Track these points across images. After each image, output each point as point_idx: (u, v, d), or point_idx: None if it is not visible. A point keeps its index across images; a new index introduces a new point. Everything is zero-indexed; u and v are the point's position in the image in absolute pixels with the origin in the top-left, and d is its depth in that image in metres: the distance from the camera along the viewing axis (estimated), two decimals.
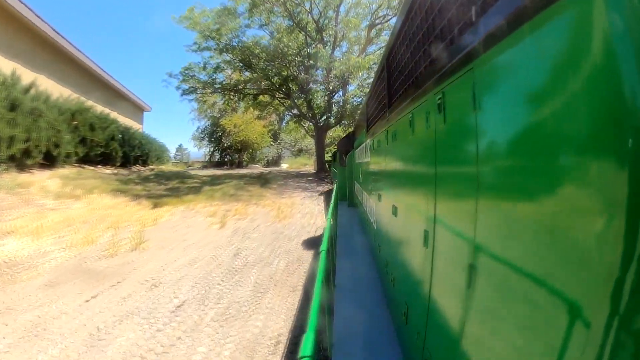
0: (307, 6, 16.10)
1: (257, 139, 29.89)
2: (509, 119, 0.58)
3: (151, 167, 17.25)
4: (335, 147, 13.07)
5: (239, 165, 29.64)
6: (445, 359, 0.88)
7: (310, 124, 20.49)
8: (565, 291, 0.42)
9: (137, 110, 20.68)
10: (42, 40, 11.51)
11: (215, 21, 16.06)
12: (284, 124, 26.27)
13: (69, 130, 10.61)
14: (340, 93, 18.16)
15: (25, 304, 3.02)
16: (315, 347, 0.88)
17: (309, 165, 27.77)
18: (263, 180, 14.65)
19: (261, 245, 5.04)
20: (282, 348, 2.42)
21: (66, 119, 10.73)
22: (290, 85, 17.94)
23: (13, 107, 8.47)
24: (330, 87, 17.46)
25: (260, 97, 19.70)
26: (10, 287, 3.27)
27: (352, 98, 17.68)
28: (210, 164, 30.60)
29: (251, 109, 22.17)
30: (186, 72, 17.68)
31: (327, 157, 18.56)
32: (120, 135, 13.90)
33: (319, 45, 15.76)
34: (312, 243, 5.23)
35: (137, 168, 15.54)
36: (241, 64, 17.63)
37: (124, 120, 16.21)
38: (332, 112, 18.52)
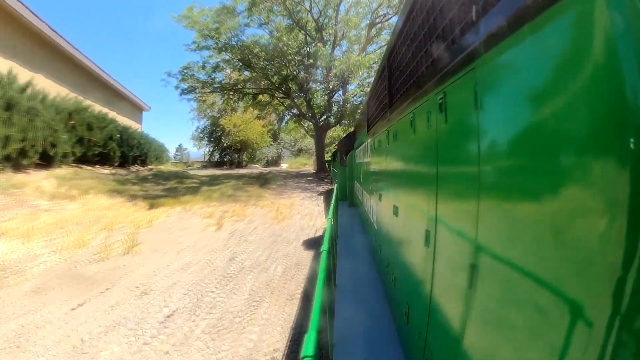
0: (307, 5, 15.97)
1: (256, 139, 29.75)
2: (510, 119, 0.58)
3: (150, 167, 17.12)
4: (335, 146, 12.98)
5: (239, 165, 29.51)
6: (446, 359, 0.87)
7: (310, 123, 20.35)
8: (567, 291, 0.42)
9: (136, 110, 20.56)
10: (40, 39, 11.41)
11: (214, 20, 15.94)
12: (283, 123, 26.13)
13: (65, 129, 10.50)
14: (340, 92, 18.04)
15: (10, 311, 2.90)
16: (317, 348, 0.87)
17: (308, 165, 27.66)
18: (262, 181, 14.52)
19: (258, 249, 4.91)
20: None
21: (63, 118, 10.62)
22: (290, 85, 17.81)
23: (9, 106, 8.36)
24: (330, 87, 17.35)
25: (260, 96, 19.57)
26: None
27: (353, 97, 17.55)
28: (209, 164, 30.48)
29: (250, 109, 22.05)
30: (185, 71, 17.54)
31: (327, 157, 18.42)
32: (118, 135, 13.78)
33: (318, 44, 15.61)
34: (312, 246, 5.09)
35: (135, 168, 15.42)
36: (240, 63, 17.49)
37: (123, 120, 16.10)
38: (332, 112, 18.40)
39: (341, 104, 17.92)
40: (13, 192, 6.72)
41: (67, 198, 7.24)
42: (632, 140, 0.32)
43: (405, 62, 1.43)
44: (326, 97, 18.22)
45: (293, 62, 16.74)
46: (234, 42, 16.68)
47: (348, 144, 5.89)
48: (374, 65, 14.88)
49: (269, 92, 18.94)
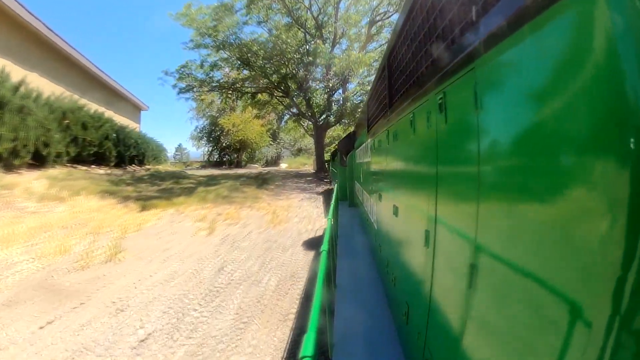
0: (307, 3, 15.71)
1: (255, 139, 29.53)
2: (510, 119, 0.58)
3: (147, 167, 16.90)
4: (335, 146, 12.75)
5: (238, 165, 29.31)
6: (446, 359, 0.88)
7: (310, 122, 20.09)
8: (566, 291, 0.42)
9: (134, 109, 20.35)
10: (35, 37, 11.23)
11: (212, 18, 15.71)
12: (283, 123, 25.86)
13: (59, 129, 10.29)
14: (340, 91, 17.76)
15: None
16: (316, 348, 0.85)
17: (308, 164, 27.44)
18: (260, 181, 14.28)
19: (250, 257, 4.65)
20: None
21: (57, 117, 10.41)
22: (289, 83, 17.56)
23: (0, 104, 8.16)
24: (330, 85, 17.09)
25: (259, 95, 19.33)
26: None
27: (353, 96, 17.28)
28: (208, 163, 30.30)
29: (249, 108, 21.82)
30: (182, 70, 17.31)
31: (327, 156, 18.16)
32: (114, 135, 13.58)
33: (318, 42, 15.33)
34: (310, 253, 4.83)
35: (132, 168, 15.21)
36: (239, 62, 17.24)
37: (120, 120, 15.90)
38: (332, 111, 18.14)
39: (341, 102, 17.68)
40: (1, 194, 6.50)
41: (56, 200, 7.02)
42: (632, 140, 0.32)
43: (405, 62, 1.44)
44: (326, 96, 17.97)
45: (292, 61, 16.48)
46: (232, 40, 16.45)
47: (348, 144, 5.85)
48: (375, 63, 14.59)
49: (268, 91, 18.70)
